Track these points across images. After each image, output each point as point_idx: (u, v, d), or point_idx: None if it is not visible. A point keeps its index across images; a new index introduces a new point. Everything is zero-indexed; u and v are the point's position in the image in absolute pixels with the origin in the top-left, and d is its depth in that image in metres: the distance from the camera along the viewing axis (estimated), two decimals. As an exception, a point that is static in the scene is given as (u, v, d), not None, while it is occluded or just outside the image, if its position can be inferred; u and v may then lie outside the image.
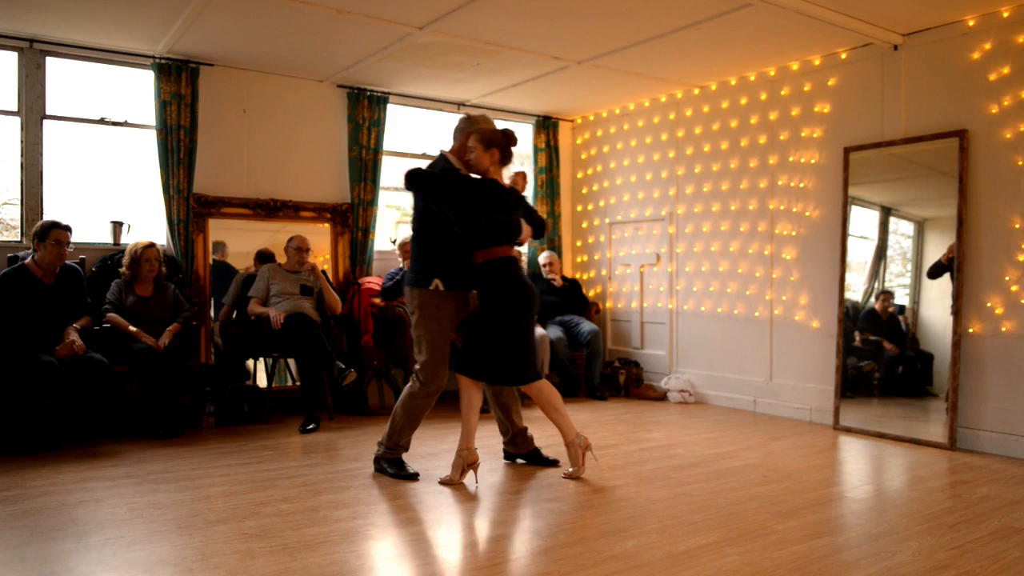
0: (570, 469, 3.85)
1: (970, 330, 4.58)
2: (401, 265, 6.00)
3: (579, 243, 7.54)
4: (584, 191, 7.45)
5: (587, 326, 6.49)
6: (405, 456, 3.91)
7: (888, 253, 5.16)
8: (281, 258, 5.67)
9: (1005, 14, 4.43)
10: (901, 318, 5.04)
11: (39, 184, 5.16)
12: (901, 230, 5.18)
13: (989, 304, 4.51)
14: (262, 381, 5.67)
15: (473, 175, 3.79)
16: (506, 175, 3.87)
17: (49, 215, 5.03)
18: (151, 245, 4.97)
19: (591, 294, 7.31)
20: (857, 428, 5.03)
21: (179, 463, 4.07)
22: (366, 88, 6.22)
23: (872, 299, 5.17)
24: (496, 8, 4.53)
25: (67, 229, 4.54)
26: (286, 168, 6.03)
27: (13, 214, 5.54)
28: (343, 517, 3.18)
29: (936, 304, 4.78)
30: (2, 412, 4.48)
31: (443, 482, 3.70)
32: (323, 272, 5.64)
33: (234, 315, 5.50)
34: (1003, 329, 4.45)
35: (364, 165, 6.19)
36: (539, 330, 6.26)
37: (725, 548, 2.82)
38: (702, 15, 4.61)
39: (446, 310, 3.77)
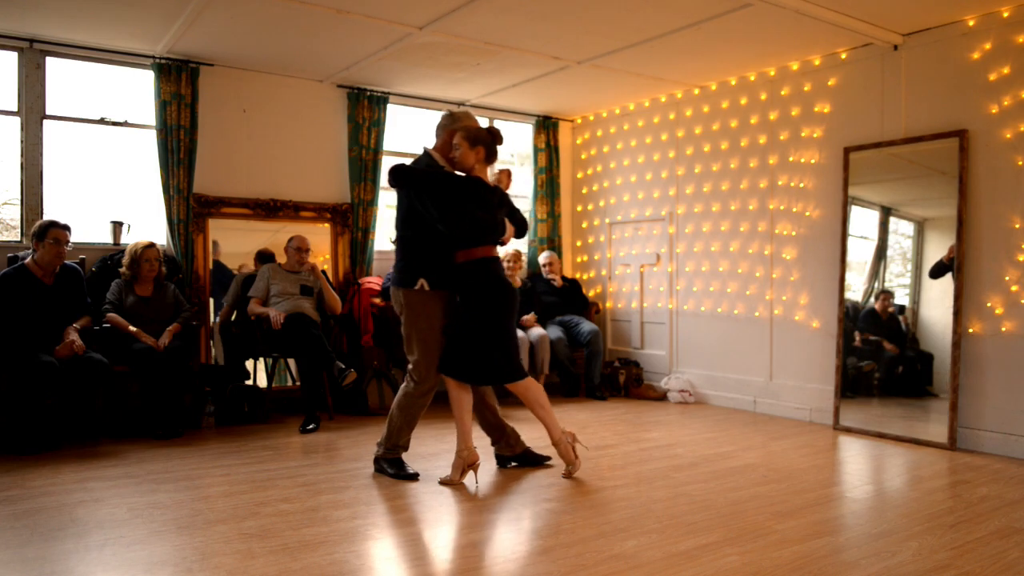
0: (567, 467, 3.85)
1: (970, 330, 4.58)
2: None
3: (579, 243, 7.54)
4: (584, 191, 7.45)
5: (587, 326, 6.50)
6: (405, 456, 3.91)
7: (888, 253, 5.16)
8: (281, 258, 5.67)
9: (1005, 14, 4.43)
10: (901, 318, 5.04)
11: (39, 184, 5.16)
12: (901, 230, 5.18)
13: (989, 304, 4.51)
14: (262, 381, 5.67)
15: (457, 172, 3.77)
16: (490, 173, 3.86)
17: (49, 215, 5.03)
18: (151, 245, 4.97)
19: (591, 294, 7.31)
20: (857, 428, 5.03)
21: (179, 463, 4.07)
22: (366, 88, 6.22)
23: (872, 299, 5.17)
24: (496, 8, 4.53)
25: (65, 228, 4.54)
26: (286, 168, 6.03)
27: (13, 214, 5.55)
28: (343, 517, 3.18)
29: (936, 304, 4.78)
30: (2, 412, 4.48)
31: (443, 482, 3.70)
32: (323, 272, 5.64)
33: (234, 315, 5.50)
34: (1003, 329, 4.45)
35: (364, 165, 6.19)
36: (539, 330, 6.27)
37: (725, 548, 2.82)
38: (702, 15, 4.61)
39: (434, 308, 3.75)
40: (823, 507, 3.38)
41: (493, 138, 3.77)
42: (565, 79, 6.03)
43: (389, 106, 6.32)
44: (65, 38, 5.10)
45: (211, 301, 5.69)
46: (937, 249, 4.78)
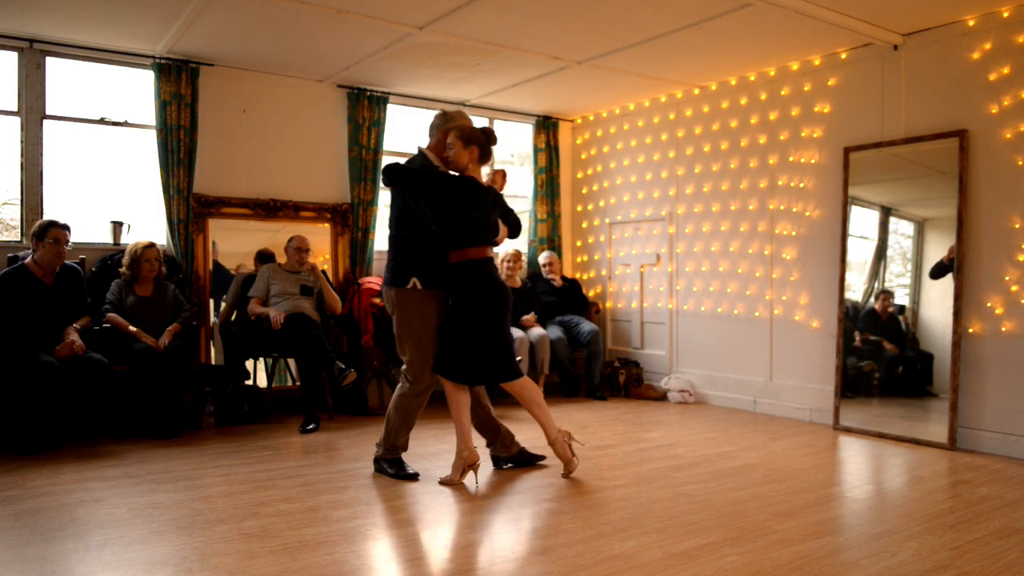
0: (566, 467, 3.85)
1: (970, 330, 4.58)
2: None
3: (579, 243, 7.54)
4: (584, 191, 7.45)
5: (587, 326, 6.50)
6: (405, 456, 3.90)
7: (888, 253, 5.16)
8: (281, 258, 5.67)
9: (1005, 14, 4.43)
10: (901, 318, 5.04)
11: (39, 184, 5.16)
12: (901, 230, 5.18)
13: (989, 304, 4.51)
14: (262, 381, 5.67)
15: (451, 172, 3.77)
16: (485, 173, 3.85)
17: (49, 215, 5.03)
18: (151, 245, 4.97)
19: (591, 294, 7.31)
20: (857, 428, 5.03)
21: (179, 463, 4.07)
22: (366, 88, 6.22)
23: (872, 299, 5.17)
24: (496, 8, 4.53)
25: (65, 228, 4.54)
26: (286, 168, 6.03)
27: (13, 214, 5.55)
28: (343, 517, 3.18)
29: (936, 304, 4.78)
30: (2, 412, 4.49)
31: (443, 482, 3.70)
32: (323, 272, 5.64)
33: (234, 315, 5.50)
34: (1003, 329, 4.45)
35: (364, 165, 6.19)
36: (539, 330, 6.27)
37: (725, 548, 2.82)
38: (702, 15, 4.61)
39: (427, 308, 3.73)
40: (823, 507, 3.38)
41: (487, 138, 3.76)
42: (565, 79, 6.03)
43: (389, 106, 6.32)
44: (65, 38, 5.10)
45: (211, 302, 5.69)
46: (937, 249, 4.78)
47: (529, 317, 6.33)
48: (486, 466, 3.97)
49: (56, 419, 4.44)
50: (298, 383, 5.64)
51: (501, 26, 4.85)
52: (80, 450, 4.33)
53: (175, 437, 4.69)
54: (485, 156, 3.76)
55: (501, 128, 7.26)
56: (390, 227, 3.84)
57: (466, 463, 3.67)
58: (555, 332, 6.37)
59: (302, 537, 2.92)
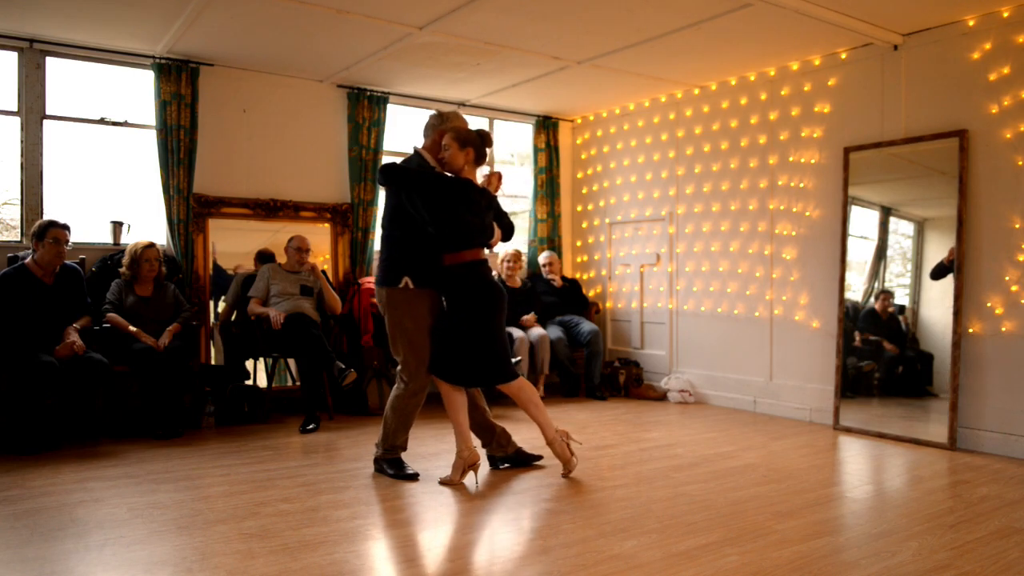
0: (565, 467, 3.85)
1: (970, 330, 4.58)
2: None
3: (579, 243, 7.54)
4: (584, 191, 7.45)
5: (587, 326, 6.50)
6: (404, 456, 3.90)
7: (888, 253, 5.16)
8: (281, 258, 5.67)
9: (1005, 14, 4.43)
10: (901, 318, 5.04)
11: (39, 184, 5.16)
12: (901, 230, 5.18)
13: (989, 304, 4.51)
14: (262, 381, 5.67)
15: (447, 174, 3.76)
16: (480, 174, 3.85)
17: (49, 215, 5.03)
18: (151, 245, 4.97)
19: (591, 294, 7.31)
20: (857, 428, 5.03)
21: (179, 463, 4.07)
22: (366, 88, 6.22)
23: (872, 299, 5.17)
24: (496, 8, 4.53)
25: (65, 228, 4.54)
26: (286, 168, 6.03)
27: (13, 214, 5.55)
28: (343, 517, 3.18)
29: (936, 304, 4.78)
30: (2, 412, 4.49)
31: (443, 482, 3.70)
32: (323, 272, 5.64)
33: (234, 315, 5.50)
34: (1003, 329, 4.45)
35: (364, 165, 6.19)
36: (539, 330, 6.27)
37: (725, 548, 2.82)
38: (702, 15, 4.61)
39: (418, 307, 3.73)
40: (823, 507, 3.38)
41: (483, 140, 3.77)
42: (565, 79, 6.03)
43: (389, 106, 6.32)
44: (65, 38, 5.10)
45: (211, 302, 5.69)
46: (937, 249, 4.78)
47: (529, 317, 6.34)
48: (486, 466, 3.98)
49: (56, 419, 4.44)
50: (298, 383, 5.64)
51: (501, 26, 4.85)
52: (80, 450, 4.33)
53: (175, 437, 4.69)
54: (481, 158, 3.77)
55: (501, 128, 7.27)
56: (383, 226, 3.84)
57: (466, 463, 3.67)
58: (555, 332, 6.37)
59: (302, 537, 2.92)
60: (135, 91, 5.59)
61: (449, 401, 3.73)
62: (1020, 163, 4.40)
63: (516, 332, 6.12)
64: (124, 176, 5.76)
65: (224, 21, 4.76)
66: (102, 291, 4.95)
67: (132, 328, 4.76)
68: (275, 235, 5.92)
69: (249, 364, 5.54)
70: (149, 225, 5.64)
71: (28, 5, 4.51)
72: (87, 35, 5.05)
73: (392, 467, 3.83)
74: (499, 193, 4.13)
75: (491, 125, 7.12)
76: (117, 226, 5.45)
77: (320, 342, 5.07)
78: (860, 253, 5.25)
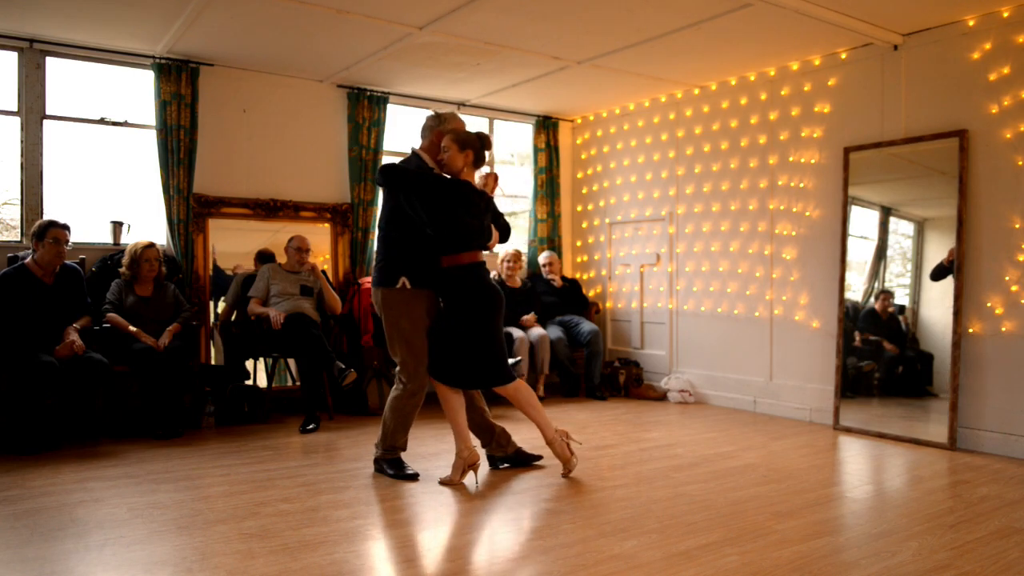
0: (565, 466, 3.85)
1: (970, 330, 4.58)
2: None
3: (579, 243, 7.54)
4: (584, 191, 7.45)
5: (587, 326, 6.50)
6: (404, 456, 3.90)
7: (888, 253, 5.16)
8: (281, 258, 5.67)
9: (1005, 14, 4.43)
10: (901, 318, 5.04)
11: (39, 184, 5.16)
12: (901, 230, 5.18)
13: (989, 304, 4.51)
14: (262, 381, 5.67)
15: (445, 175, 3.77)
16: (477, 176, 3.85)
17: (49, 215, 5.03)
18: (151, 245, 4.97)
19: (591, 294, 7.31)
20: (857, 428, 5.03)
21: (179, 463, 4.07)
22: (366, 88, 6.22)
23: (872, 299, 5.17)
24: (496, 8, 4.53)
25: (65, 227, 4.54)
26: (286, 168, 6.03)
27: (13, 214, 5.54)
28: (343, 517, 3.18)
29: (936, 304, 4.78)
30: (2, 412, 4.49)
31: (443, 482, 3.70)
32: (323, 272, 5.64)
33: (234, 315, 5.50)
34: (1003, 329, 4.45)
35: (364, 165, 6.19)
36: (539, 330, 6.27)
37: (725, 548, 2.82)
38: (702, 15, 4.61)
39: (414, 308, 3.73)
40: (823, 507, 3.38)
41: (482, 143, 3.77)
42: (565, 79, 6.03)
43: (389, 106, 6.33)
44: (65, 38, 5.10)
45: (211, 302, 5.69)
46: (937, 249, 4.78)
47: (529, 317, 6.34)
48: (485, 466, 3.98)
49: (56, 419, 4.44)
50: (298, 383, 5.64)
51: (501, 26, 4.85)
52: (80, 450, 4.33)
53: (175, 437, 4.69)
54: (480, 161, 3.77)
55: (501, 128, 7.27)
56: (380, 227, 3.84)
57: (466, 463, 3.67)
58: (555, 332, 6.37)
59: (302, 537, 2.92)
60: (135, 91, 5.59)
61: (446, 402, 3.73)
62: (1020, 163, 4.40)
63: (516, 332, 6.12)
64: (124, 176, 5.76)
65: (224, 21, 4.76)
66: (102, 291, 4.95)
67: (132, 328, 4.76)
68: (275, 235, 5.92)
69: (249, 364, 5.54)
70: (149, 225, 5.64)
71: (28, 5, 4.51)
72: (87, 35, 5.05)
73: (392, 467, 3.83)
74: (497, 194, 4.13)
75: (491, 125, 7.12)
76: (117, 226, 5.45)
77: (320, 342, 5.07)
78: (860, 253, 5.25)
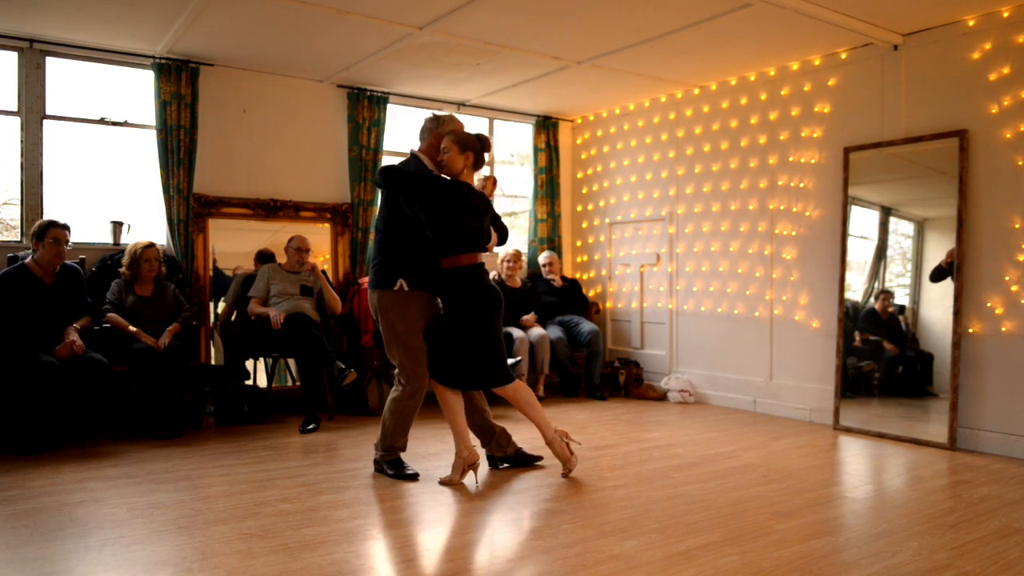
0: (565, 466, 3.85)
1: (970, 330, 4.58)
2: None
3: (579, 243, 7.54)
4: (584, 191, 7.45)
5: (587, 326, 6.50)
6: (404, 456, 3.90)
7: (888, 253, 5.16)
8: (281, 258, 5.67)
9: (1005, 14, 4.43)
10: (901, 318, 5.04)
11: (39, 184, 5.16)
12: (901, 230, 5.18)
13: (989, 304, 4.51)
14: (262, 381, 5.67)
15: (444, 177, 3.76)
16: (476, 178, 3.85)
17: (49, 215, 5.03)
18: (151, 245, 4.97)
19: (591, 294, 7.31)
20: (857, 428, 5.03)
21: (179, 463, 4.07)
22: (366, 88, 6.22)
23: (872, 299, 5.17)
24: (496, 8, 4.53)
25: (65, 227, 4.54)
26: (286, 168, 6.03)
27: (13, 214, 5.55)
28: (343, 517, 3.18)
29: (936, 304, 4.78)
30: (2, 412, 4.49)
31: (443, 482, 3.70)
32: (323, 272, 5.65)
33: (234, 315, 5.50)
34: (1003, 329, 4.45)
35: (364, 165, 6.19)
36: (539, 330, 6.27)
37: (725, 548, 2.82)
38: (702, 15, 4.61)
39: (410, 309, 3.72)
40: (823, 507, 3.38)
41: (482, 145, 3.77)
42: (565, 79, 6.03)
43: (389, 106, 6.33)
44: (65, 38, 5.10)
45: (211, 302, 5.69)
46: (937, 249, 4.78)
47: (529, 317, 6.34)
48: (485, 466, 3.98)
49: (56, 419, 4.44)
50: (298, 383, 5.64)
51: (501, 26, 4.85)
52: (80, 450, 4.33)
53: (175, 437, 4.69)
54: (479, 162, 3.78)
55: (501, 128, 7.27)
56: (378, 228, 3.83)
57: (466, 463, 3.67)
58: (555, 332, 6.37)
59: (302, 537, 2.92)
60: (135, 91, 5.59)
61: (445, 403, 3.73)
62: (1020, 163, 4.40)
63: (516, 332, 6.12)
64: (124, 176, 5.76)
65: (224, 21, 4.76)
66: (102, 291, 4.95)
67: (132, 328, 4.76)
68: (275, 235, 5.93)
69: (249, 364, 5.54)
70: (149, 225, 5.64)
71: (28, 5, 4.51)
72: (87, 35, 5.05)
73: (392, 467, 3.83)
74: (496, 195, 4.13)
75: (491, 125, 7.12)
76: (117, 226, 5.46)
77: (320, 342, 5.07)
78: (860, 253, 5.25)
